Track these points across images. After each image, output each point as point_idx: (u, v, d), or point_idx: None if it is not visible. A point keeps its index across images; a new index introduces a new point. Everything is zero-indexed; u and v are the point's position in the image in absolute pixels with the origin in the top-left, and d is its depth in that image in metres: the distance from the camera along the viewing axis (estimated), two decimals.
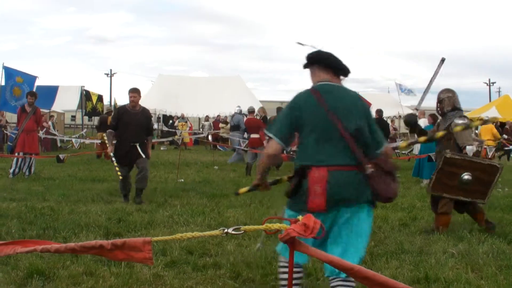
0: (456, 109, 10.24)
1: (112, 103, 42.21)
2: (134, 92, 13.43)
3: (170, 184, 16.45)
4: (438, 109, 10.52)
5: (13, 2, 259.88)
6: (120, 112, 13.61)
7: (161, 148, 36.50)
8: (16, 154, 17.47)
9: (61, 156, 18.84)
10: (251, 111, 22.14)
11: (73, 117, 59.85)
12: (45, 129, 30.21)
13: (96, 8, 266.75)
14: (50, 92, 40.28)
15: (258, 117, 21.78)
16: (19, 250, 3.45)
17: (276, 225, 3.49)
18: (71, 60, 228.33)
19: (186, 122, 40.07)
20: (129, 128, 13.13)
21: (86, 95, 41.82)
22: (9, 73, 22.14)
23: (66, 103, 42.25)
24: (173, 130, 38.40)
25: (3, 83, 22.05)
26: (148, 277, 6.93)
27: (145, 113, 13.74)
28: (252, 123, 20.66)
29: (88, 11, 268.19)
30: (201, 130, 40.10)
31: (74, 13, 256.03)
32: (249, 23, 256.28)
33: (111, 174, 17.97)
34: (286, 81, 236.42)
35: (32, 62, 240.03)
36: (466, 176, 9.73)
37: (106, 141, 13.98)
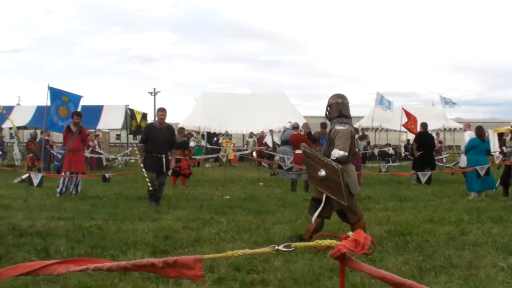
0: (342, 116, 10.25)
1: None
2: (163, 111, 16.11)
3: (216, 201, 16.45)
4: (327, 113, 10.52)
5: (59, 24, 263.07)
6: (149, 128, 16.29)
7: (206, 166, 36.59)
8: (63, 173, 17.62)
9: (106, 175, 18.94)
10: (295, 126, 22.06)
11: (118, 136, 60.44)
12: (90, 148, 30.48)
13: (140, 28, 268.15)
14: (95, 112, 40.75)
15: (302, 133, 21.64)
16: (72, 269, 3.46)
17: (326, 242, 3.44)
18: (115, 80, 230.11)
19: (230, 139, 40.14)
20: (156, 142, 15.46)
21: (130, 114, 42.09)
22: (55, 93, 22.33)
23: (111, 122, 42.57)
24: (218, 147, 38.49)
25: (49, 104, 22.24)
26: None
27: (169, 128, 16.20)
28: (296, 139, 20.57)
29: (132, 31, 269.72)
30: (245, 146, 40.10)
31: (118, 33, 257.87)
32: (292, 39, 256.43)
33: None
34: (328, 96, 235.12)
35: (77, 82, 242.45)
36: (319, 172, 9.71)
37: (137, 154, 16.22)
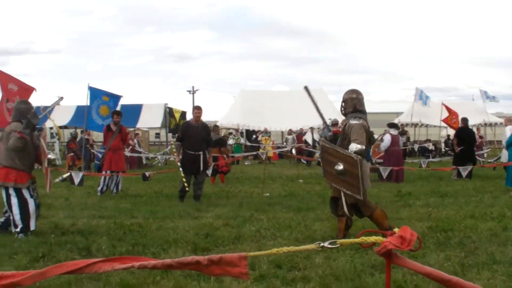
0: (357, 111, 10.24)
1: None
2: (199, 109, 16.26)
3: (256, 198, 16.44)
4: (342, 108, 10.53)
5: (98, 25, 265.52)
6: (185, 126, 16.43)
7: (246, 163, 36.59)
8: (104, 172, 17.73)
9: (146, 173, 18.97)
10: (334, 123, 22.01)
11: (157, 134, 60.76)
12: (130, 147, 30.65)
13: (177, 27, 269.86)
14: (135, 111, 40.90)
15: (341, 129, 21.53)
16: (117, 267, 3.47)
17: (372, 238, 3.41)
18: (153, 79, 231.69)
19: (269, 136, 40.10)
20: (192, 140, 15.64)
21: (169, 112, 42.24)
22: (95, 92, 22.48)
23: (150, 120, 42.75)
24: (257, 145, 38.48)
25: (88, 103, 22.40)
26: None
27: (205, 127, 16.44)
28: (336, 136, 20.51)
29: (168, 30, 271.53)
30: (284, 144, 40.02)
31: (155, 33, 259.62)
32: (330, 35, 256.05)
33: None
34: (366, 93, 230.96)
35: (116, 82, 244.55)
36: (337, 166, 9.67)
37: (175, 153, 16.39)
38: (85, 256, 8.92)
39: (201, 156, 15.66)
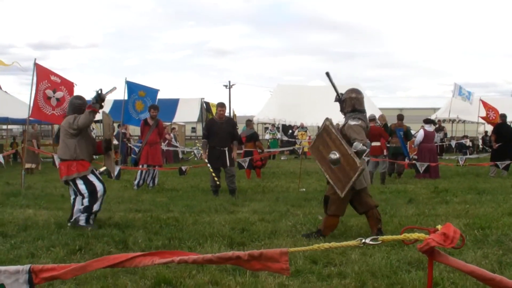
0: (355, 110, 10.18)
1: (231, 114, 42.66)
2: (223, 107, 16.66)
3: (292, 193, 16.44)
4: (341, 108, 10.50)
5: (135, 19, 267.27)
6: (209, 123, 16.87)
7: (282, 158, 36.60)
8: (140, 166, 17.84)
9: (183, 168, 19.06)
10: (371, 118, 21.85)
11: (194, 129, 60.88)
12: (167, 141, 30.77)
13: (215, 21, 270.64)
14: (172, 105, 41.13)
15: (378, 125, 21.42)
16: (157, 261, 3.49)
17: (414, 235, 3.38)
18: (191, 73, 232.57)
19: (306, 131, 40.03)
20: (217, 136, 15.89)
21: (206, 107, 42.39)
22: (132, 87, 22.61)
23: (187, 115, 42.97)
24: (293, 140, 38.44)
25: (126, 98, 22.55)
26: (273, 286, 6.91)
27: (230, 122, 16.78)
28: (373, 131, 20.38)
29: (207, 24, 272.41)
30: None
31: (194, 27, 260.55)
32: (367, 30, 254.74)
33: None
34: (405, 88, 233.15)
35: (153, 76, 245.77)
36: (333, 155, 9.66)
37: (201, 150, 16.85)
38: (121, 250, 8.98)
39: (226, 152, 15.87)
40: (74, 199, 11.06)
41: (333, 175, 9.81)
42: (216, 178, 15.84)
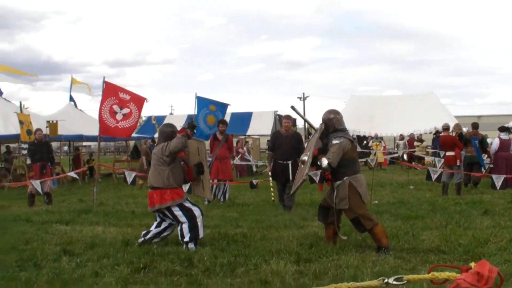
0: (336, 130, 10.48)
1: (306, 126, 42.47)
2: (288, 119, 16.48)
3: None
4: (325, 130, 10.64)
5: (209, 33, 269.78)
6: (274, 136, 16.84)
7: None
8: (211, 181, 17.78)
9: (254, 181, 18.97)
10: (445, 128, 21.42)
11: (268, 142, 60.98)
12: (240, 155, 30.74)
13: (288, 34, 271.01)
14: (245, 118, 41.29)
15: (453, 134, 20.95)
16: None
17: (444, 274, 3.08)
18: (264, 86, 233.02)
19: (380, 142, 39.57)
20: (281, 149, 15.71)
21: (279, 120, 42.29)
22: (202, 102, 22.66)
23: (260, 128, 42.99)
24: (367, 151, 38.02)
25: (196, 112, 22.60)
26: None
27: (296, 135, 16.46)
28: (447, 140, 19.96)
29: (280, 37, 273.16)
30: (395, 149, 39.41)
31: (267, 41, 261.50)
32: (441, 37, 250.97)
33: (304, 198, 17.95)
34: (482, 95, 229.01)
35: (227, 91, 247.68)
36: (304, 155, 10.46)
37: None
38: (186, 267, 8.91)
39: (290, 165, 15.48)
40: (160, 222, 11.01)
41: (298, 172, 11.06)
42: (272, 194, 16.20)
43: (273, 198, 15.86)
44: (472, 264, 3.03)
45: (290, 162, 15.50)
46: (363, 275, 7.94)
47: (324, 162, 9.86)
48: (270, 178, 16.16)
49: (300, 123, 52.05)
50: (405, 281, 3.10)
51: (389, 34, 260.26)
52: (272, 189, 15.86)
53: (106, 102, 18.03)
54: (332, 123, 10.50)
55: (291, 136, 16.00)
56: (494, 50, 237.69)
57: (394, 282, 3.08)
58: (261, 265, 8.91)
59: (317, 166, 10.49)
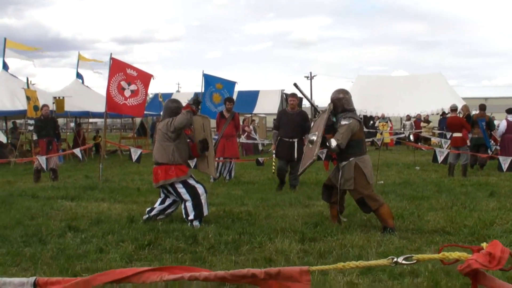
0: (345, 110, 10.37)
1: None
2: (294, 97, 16.12)
3: None
4: (333, 110, 10.53)
5: (217, 11, 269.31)
6: (280, 114, 16.59)
7: None
8: (217, 159, 17.76)
9: (260, 159, 18.90)
10: (453, 109, 21.32)
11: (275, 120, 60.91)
12: (246, 133, 30.71)
13: (296, 13, 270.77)
14: (252, 97, 41.21)
15: (461, 115, 20.86)
16: (166, 277, 3.26)
17: (454, 254, 3.02)
18: (271, 65, 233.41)
19: (387, 122, 39.46)
20: (287, 127, 15.57)
21: (286, 99, 42.23)
22: (209, 80, 22.65)
23: (267, 106, 42.90)
24: (374, 131, 37.93)
25: (203, 90, 22.58)
26: (342, 285, 6.68)
27: (301, 114, 16.12)
28: (454, 122, 19.88)
29: (288, 16, 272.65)
30: (402, 130, 39.32)
31: (275, 19, 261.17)
32: (451, 18, 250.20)
33: (310, 177, 17.92)
34: (490, 77, 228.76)
35: (234, 68, 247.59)
36: (312, 135, 10.34)
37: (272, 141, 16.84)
38: (191, 245, 8.92)
39: (295, 144, 15.38)
40: (164, 199, 11.03)
41: (306, 152, 10.78)
42: (273, 167, 16.31)
43: (273, 171, 16.12)
44: (484, 245, 2.97)
45: (296, 140, 15.40)
46: (368, 255, 7.95)
47: (333, 143, 9.83)
48: (274, 156, 16.11)
49: (306, 102, 51.93)
50: (414, 261, 3.04)
51: (400, 15, 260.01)
52: (274, 165, 16.02)
53: (114, 78, 18.04)
54: (341, 103, 10.36)
55: (297, 114, 15.81)
56: (503, 32, 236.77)
57: (404, 262, 3.02)
58: (265, 243, 8.92)
59: (325, 146, 10.36)
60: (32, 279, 3.29)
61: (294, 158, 15.25)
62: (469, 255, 2.94)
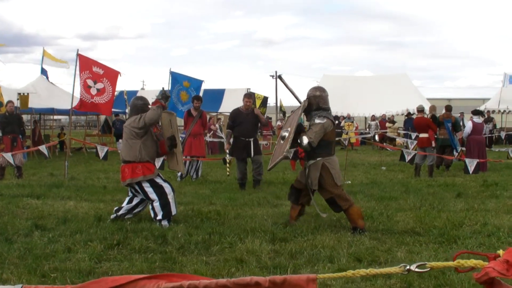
0: (320, 108, 10.34)
1: (278, 105, 42.45)
2: (249, 97, 16.54)
3: None
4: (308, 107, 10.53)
5: (184, 8, 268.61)
6: (234, 114, 16.34)
7: None
8: (184, 157, 17.66)
9: (227, 158, 18.88)
10: (420, 109, 21.42)
11: None
12: (212, 132, 30.64)
13: (264, 11, 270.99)
14: (217, 95, 41.08)
15: (426, 116, 20.97)
16: (163, 285, 3.17)
17: (470, 262, 2.94)
18: (238, 63, 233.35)
19: (352, 122, 39.61)
20: (242, 126, 15.81)
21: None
22: (176, 78, 22.55)
23: (233, 105, 42.57)
24: (339, 131, 38.04)
25: (169, 88, 22.47)
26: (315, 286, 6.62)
27: (254, 114, 16.22)
28: (421, 122, 20.00)
29: (255, 15, 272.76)
30: (367, 130, 39.50)
31: (242, 17, 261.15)
32: (416, 20, 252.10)
33: (277, 177, 17.93)
34: (453, 78, 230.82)
35: (200, 66, 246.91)
36: (285, 131, 10.29)
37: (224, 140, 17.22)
38: (160, 244, 8.84)
39: (252, 142, 15.82)
40: (131, 198, 10.93)
41: (277, 147, 10.79)
42: (228, 170, 17.06)
43: (228, 173, 16.59)
44: (500, 252, 2.90)
45: (251, 140, 15.87)
46: (339, 256, 7.93)
47: (305, 140, 9.81)
48: (227, 156, 16.73)
49: (272, 102, 51.99)
50: (428, 268, 2.95)
51: (364, 15, 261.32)
52: (228, 165, 16.56)
53: (81, 76, 17.88)
54: (317, 101, 10.33)
55: (251, 114, 16.10)
56: (466, 34, 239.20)
57: (417, 270, 2.92)
58: (236, 243, 8.86)
59: (296, 143, 10.29)
60: (18, 286, 3.20)
61: (251, 154, 15.73)
62: (485, 263, 2.87)
